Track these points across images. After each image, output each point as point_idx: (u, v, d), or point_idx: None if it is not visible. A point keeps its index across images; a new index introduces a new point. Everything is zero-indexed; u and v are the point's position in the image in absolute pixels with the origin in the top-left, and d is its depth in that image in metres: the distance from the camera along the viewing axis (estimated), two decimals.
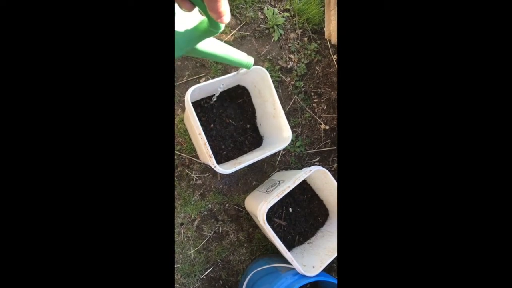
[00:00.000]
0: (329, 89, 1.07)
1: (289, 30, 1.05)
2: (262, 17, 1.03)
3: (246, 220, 0.96)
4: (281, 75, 1.02)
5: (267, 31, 1.03)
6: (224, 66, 0.98)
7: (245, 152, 0.86)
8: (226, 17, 0.30)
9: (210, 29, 0.36)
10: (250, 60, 0.49)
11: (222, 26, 0.36)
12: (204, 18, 0.37)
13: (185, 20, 0.37)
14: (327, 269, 0.98)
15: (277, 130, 0.80)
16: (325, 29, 1.04)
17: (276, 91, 1.01)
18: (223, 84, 0.74)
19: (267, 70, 1.00)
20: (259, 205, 0.75)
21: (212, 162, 0.68)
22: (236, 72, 0.69)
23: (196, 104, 0.83)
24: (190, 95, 0.67)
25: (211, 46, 0.43)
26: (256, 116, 0.89)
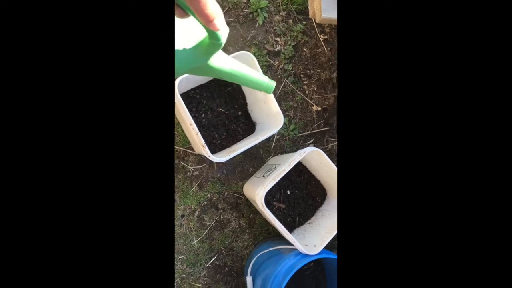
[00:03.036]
0: (318, 70, 1.06)
1: (273, 13, 1.03)
2: (245, 1, 1.01)
3: (246, 206, 0.97)
4: (269, 59, 1.01)
5: (251, 16, 1.01)
6: None
7: (239, 140, 0.86)
8: (218, 21, 0.25)
9: (211, 40, 0.31)
10: (271, 83, 0.44)
11: (221, 36, 0.30)
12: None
13: (187, 36, 0.32)
14: (329, 247, 1.00)
15: (269, 115, 0.80)
16: (309, 7, 1.03)
17: (266, 75, 1.01)
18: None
19: (254, 55, 0.99)
20: (257, 190, 0.76)
21: (206, 151, 0.68)
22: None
23: (185, 95, 0.83)
24: (178, 86, 0.66)
25: (226, 63, 0.37)
26: (247, 103, 0.89)
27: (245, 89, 0.88)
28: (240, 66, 0.39)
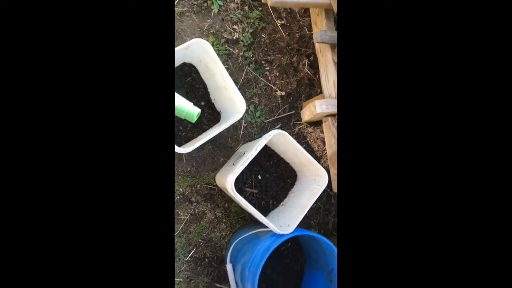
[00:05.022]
0: (279, 55, 1.07)
1: (228, 0, 1.02)
2: None
3: (220, 196, 0.97)
4: (228, 47, 1.01)
5: (205, 4, 0.99)
6: None
7: (204, 130, 0.86)
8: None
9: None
10: (195, 110, 0.47)
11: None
12: None
13: None
14: (306, 226, 1.03)
15: (231, 101, 0.80)
16: None
17: (226, 64, 1.00)
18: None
19: (212, 44, 0.98)
20: (227, 178, 0.76)
21: None
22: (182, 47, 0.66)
23: None
24: None
25: None
26: (209, 92, 0.88)
27: (205, 77, 0.87)
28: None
